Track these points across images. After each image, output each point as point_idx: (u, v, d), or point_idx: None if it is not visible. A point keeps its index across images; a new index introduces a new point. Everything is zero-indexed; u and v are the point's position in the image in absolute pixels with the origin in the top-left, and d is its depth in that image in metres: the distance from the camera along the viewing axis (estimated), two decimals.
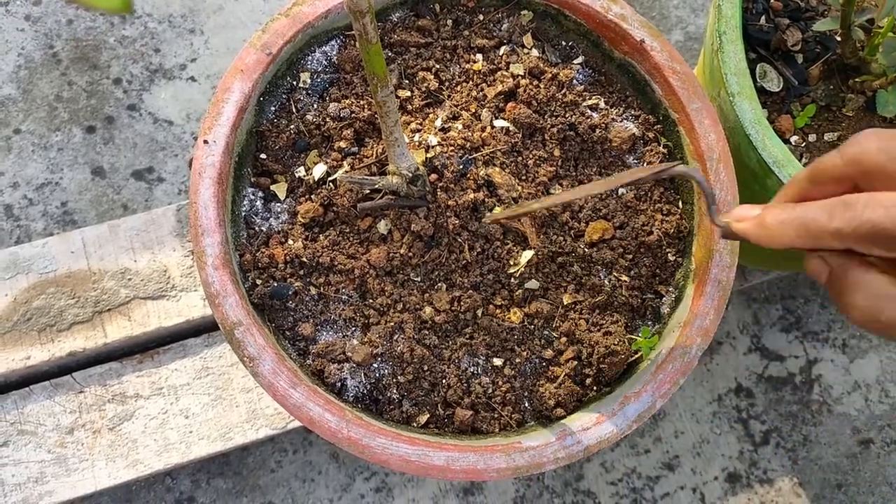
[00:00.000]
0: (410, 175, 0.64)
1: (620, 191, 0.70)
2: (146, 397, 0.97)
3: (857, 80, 0.76)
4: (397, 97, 0.71)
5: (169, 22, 1.26)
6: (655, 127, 0.73)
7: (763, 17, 0.79)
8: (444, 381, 0.65)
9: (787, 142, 0.77)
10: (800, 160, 0.76)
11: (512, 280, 0.67)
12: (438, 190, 0.67)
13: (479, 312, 0.66)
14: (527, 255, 0.66)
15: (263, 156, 0.68)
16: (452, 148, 0.68)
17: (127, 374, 0.98)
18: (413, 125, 0.69)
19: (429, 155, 0.68)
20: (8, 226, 1.15)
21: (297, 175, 0.68)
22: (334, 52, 0.71)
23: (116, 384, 0.97)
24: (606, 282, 0.68)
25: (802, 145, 0.77)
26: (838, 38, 0.76)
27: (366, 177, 0.66)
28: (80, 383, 0.97)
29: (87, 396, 0.97)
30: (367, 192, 0.66)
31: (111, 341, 0.97)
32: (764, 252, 0.92)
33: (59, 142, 1.19)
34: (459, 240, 0.67)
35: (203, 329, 1.01)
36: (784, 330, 1.19)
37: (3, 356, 0.95)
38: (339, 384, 0.65)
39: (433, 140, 0.68)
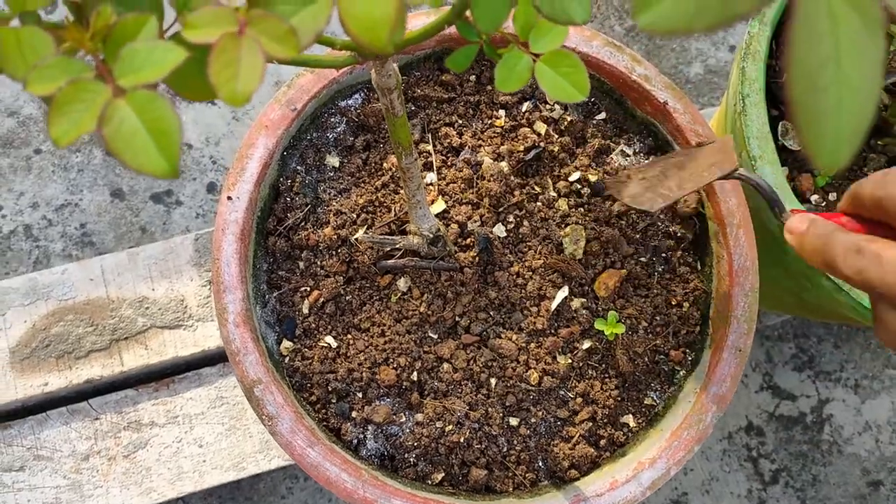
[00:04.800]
0: (431, 236, 0.64)
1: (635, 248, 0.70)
2: (161, 425, 0.98)
3: (879, 141, 0.75)
4: (419, 153, 0.71)
5: None
6: None
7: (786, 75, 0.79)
8: (460, 440, 0.65)
9: (807, 201, 0.77)
10: None
11: (531, 345, 0.68)
12: (457, 248, 0.67)
13: (497, 371, 0.67)
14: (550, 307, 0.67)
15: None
16: (471, 206, 0.69)
17: (143, 402, 0.99)
18: (432, 178, 0.70)
19: (447, 209, 0.68)
20: (27, 246, 1.16)
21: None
22: (358, 106, 0.72)
23: (132, 412, 0.98)
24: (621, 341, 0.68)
25: (822, 204, 0.77)
26: None
27: (386, 236, 0.66)
28: (96, 410, 0.98)
29: (103, 423, 0.98)
30: (388, 250, 0.67)
31: (128, 369, 0.98)
32: (786, 303, 0.92)
33: (79, 163, 1.20)
34: (480, 298, 0.67)
35: (218, 359, 1.02)
36: (797, 369, 1.19)
37: (22, 382, 0.97)
38: (355, 441, 0.65)
39: (451, 196, 0.69)
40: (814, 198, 0.77)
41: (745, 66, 0.71)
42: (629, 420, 0.69)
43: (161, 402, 0.99)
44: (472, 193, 0.69)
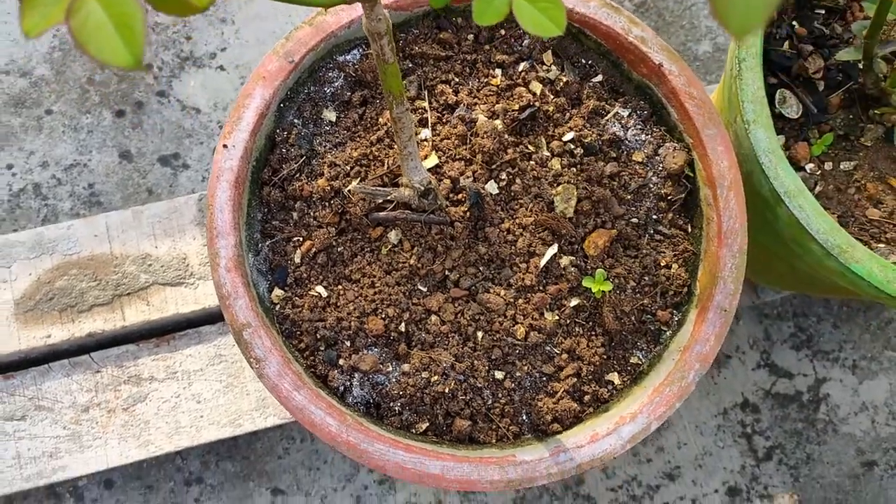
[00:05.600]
0: (422, 188, 0.65)
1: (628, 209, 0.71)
2: (160, 380, 1.00)
3: (876, 111, 0.75)
4: (415, 109, 0.72)
5: None
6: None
7: (786, 43, 0.79)
8: (445, 391, 0.66)
9: (801, 169, 0.77)
10: (814, 188, 0.77)
11: (519, 301, 0.68)
12: (448, 203, 0.68)
13: (485, 324, 0.68)
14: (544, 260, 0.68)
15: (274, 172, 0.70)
16: (464, 162, 0.69)
17: (143, 357, 1.01)
18: (427, 134, 0.70)
19: (440, 164, 0.69)
20: (36, 204, 1.18)
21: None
22: (356, 61, 0.72)
23: (132, 366, 1.00)
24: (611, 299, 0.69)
25: (818, 173, 0.77)
26: (860, 69, 0.76)
27: (378, 188, 0.67)
28: (97, 363, 1.00)
29: (104, 377, 1.00)
30: (380, 202, 0.68)
31: (129, 324, 1.00)
32: (781, 275, 0.92)
33: (89, 124, 1.22)
34: (470, 253, 0.68)
35: (218, 317, 1.03)
36: (794, 347, 1.19)
37: (25, 333, 0.99)
38: (342, 388, 0.66)
39: (445, 152, 0.69)
40: (809, 166, 0.77)
41: None
42: (614, 378, 0.69)
43: (161, 358, 1.01)
44: (466, 150, 0.70)
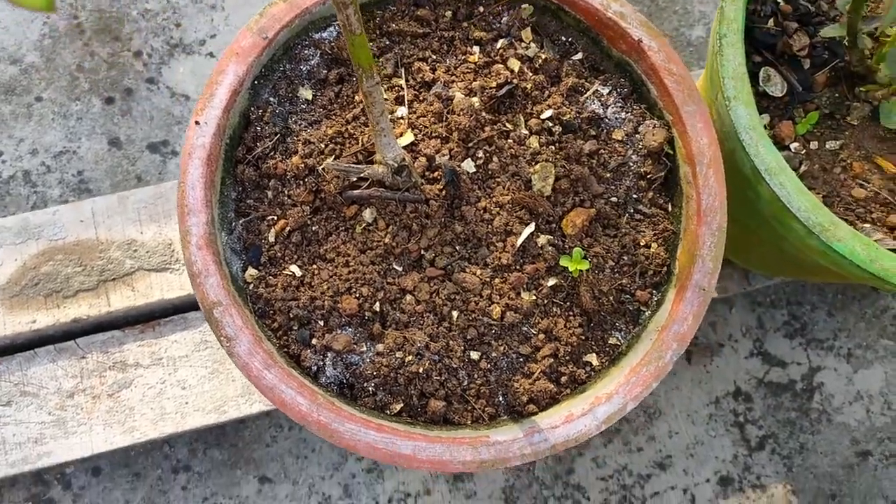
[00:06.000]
0: (396, 165, 0.64)
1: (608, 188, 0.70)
2: (146, 366, 0.99)
3: (862, 88, 0.74)
4: (391, 87, 0.71)
5: None
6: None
7: (771, 21, 0.78)
8: (420, 371, 0.65)
9: (786, 148, 0.76)
10: (798, 167, 0.75)
11: (496, 280, 0.67)
12: (424, 181, 0.67)
13: (460, 304, 0.67)
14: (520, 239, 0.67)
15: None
16: (440, 139, 0.69)
17: (128, 343, 1.00)
18: (403, 112, 0.70)
19: (416, 142, 0.68)
20: (25, 191, 1.18)
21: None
22: (332, 38, 0.72)
23: (118, 352, 1.00)
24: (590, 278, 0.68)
25: (802, 152, 0.76)
26: (846, 45, 0.74)
27: (352, 164, 0.66)
28: (82, 349, 1.00)
29: (89, 362, 0.99)
30: (354, 180, 0.67)
31: (114, 310, 0.99)
32: (769, 258, 0.91)
33: (78, 111, 1.21)
34: (446, 232, 0.67)
35: None
36: (788, 336, 1.18)
37: (11, 319, 0.98)
38: (315, 368, 0.66)
39: (421, 130, 0.68)
40: (794, 145, 0.76)
41: (724, 6, 0.70)
42: (592, 359, 0.68)
43: (146, 344, 1.01)
44: (442, 127, 0.69)
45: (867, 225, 0.73)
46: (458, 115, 0.68)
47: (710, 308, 1.18)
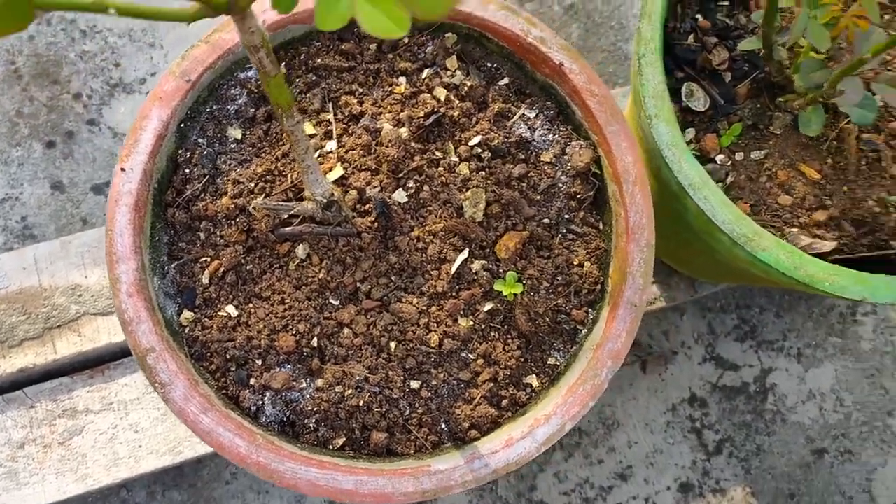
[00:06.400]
0: (325, 201, 0.64)
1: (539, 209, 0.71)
2: (96, 412, 0.98)
3: (782, 99, 0.76)
4: (320, 121, 0.72)
5: (129, 36, 1.27)
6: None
7: (691, 37, 0.80)
8: (360, 404, 0.65)
9: (712, 161, 0.77)
10: (725, 178, 0.77)
11: (433, 308, 0.68)
12: (356, 214, 0.68)
13: (398, 334, 0.67)
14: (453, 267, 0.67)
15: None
16: (370, 172, 0.69)
17: (77, 390, 0.99)
18: (332, 146, 0.70)
19: (346, 175, 0.69)
20: None
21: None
22: (258, 77, 0.72)
23: (67, 399, 0.98)
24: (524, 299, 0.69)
25: (728, 164, 0.77)
26: (764, 58, 0.76)
27: (281, 203, 0.66)
28: (31, 398, 0.98)
29: (38, 411, 0.98)
30: (285, 217, 0.67)
31: (61, 357, 0.98)
32: (708, 267, 0.92)
33: (19, 157, 1.20)
34: (381, 263, 0.67)
35: None
36: (739, 339, 1.20)
37: None
38: (254, 408, 0.65)
39: (350, 163, 0.69)
40: (719, 157, 0.78)
41: (641, 27, 0.72)
42: (532, 380, 0.69)
43: (96, 389, 0.99)
44: (371, 159, 0.69)
45: (795, 230, 0.75)
46: (387, 146, 0.69)
47: (663, 317, 1.20)
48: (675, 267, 1.04)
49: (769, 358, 1.19)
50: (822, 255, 0.72)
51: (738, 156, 0.78)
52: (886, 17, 0.82)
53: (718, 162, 0.77)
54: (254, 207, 0.67)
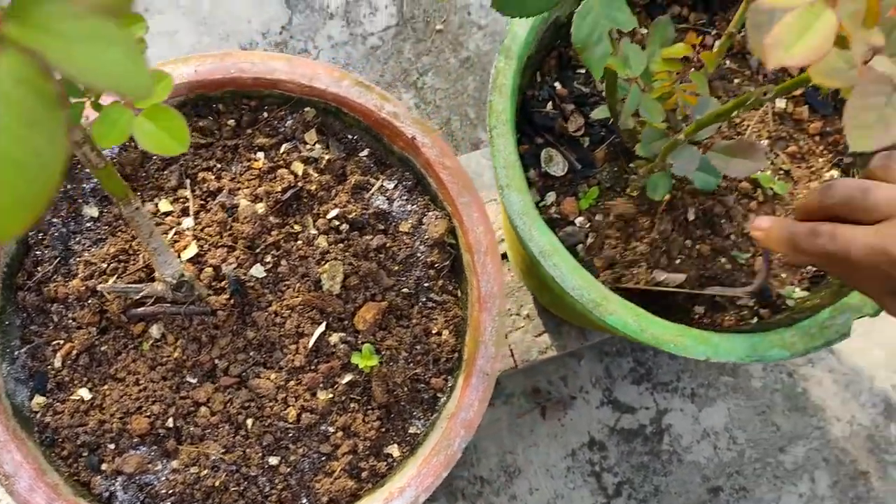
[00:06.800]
0: (174, 282, 0.65)
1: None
2: None
3: (632, 164, 0.79)
4: (177, 199, 0.72)
5: None
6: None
7: (550, 104, 0.83)
8: (217, 484, 0.65)
9: (572, 223, 0.80)
10: (585, 240, 0.80)
11: (291, 383, 0.68)
12: (211, 291, 0.68)
13: (255, 411, 0.67)
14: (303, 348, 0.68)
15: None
16: (227, 248, 0.70)
17: None
18: (189, 224, 0.70)
19: (201, 253, 0.69)
20: None
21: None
22: (114, 154, 0.72)
23: None
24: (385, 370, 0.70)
25: (587, 226, 0.80)
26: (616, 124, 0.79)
27: (130, 285, 0.66)
28: None
29: None
30: (138, 298, 0.67)
31: None
32: (583, 320, 0.95)
33: None
34: (239, 340, 0.68)
35: None
36: (635, 382, 1.23)
37: None
38: (107, 494, 0.65)
39: (206, 240, 0.70)
40: (578, 220, 0.80)
41: (492, 100, 0.74)
42: (394, 450, 0.70)
43: None
44: (228, 236, 0.70)
45: (658, 270, 0.78)
46: (243, 222, 0.70)
47: (561, 362, 1.22)
48: (564, 318, 1.06)
49: (664, 399, 1.22)
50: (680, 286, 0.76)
51: (598, 217, 0.80)
52: (736, 80, 0.86)
53: (578, 224, 0.80)
54: (101, 290, 0.67)
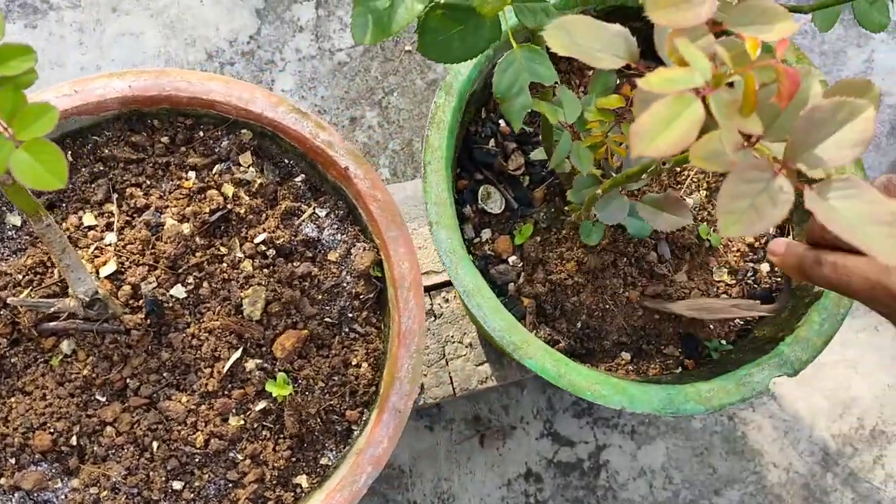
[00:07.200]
0: (87, 299, 0.64)
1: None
2: None
3: (566, 207, 0.79)
4: (102, 213, 0.71)
5: None
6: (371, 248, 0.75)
7: (492, 141, 0.83)
8: None
9: (505, 262, 0.80)
10: (517, 279, 0.80)
11: (202, 407, 0.68)
12: (128, 309, 0.67)
13: (163, 434, 0.67)
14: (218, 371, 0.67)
15: None
16: (148, 267, 0.69)
17: None
18: (112, 239, 0.70)
19: (121, 270, 0.68)
20: None
21: None
22: None
23: None
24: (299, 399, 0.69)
25: (520, 265, 0.80)
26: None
27: (42, 299, 0.66)
28: None
29: None
30: (51, 312, 0.66)
31: None
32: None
33: None
34: (152, 360, 0.67)
35: None
36: (576, 415, 1.23)
37: None
38: None
39: (128, 257, 0.69)
40: (512, 259, 0.80)
41: (429, 135, 0.74)
42: (302, 480, 0.69)
43: None
44: (150, 255, 0.69)
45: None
46: (165, 242, 0.69)
47: (504, 391, 1.22)
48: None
49: (604, 434, 1.23)
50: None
51: (533, 255, 0.80)
52: None
53: (511, 263, 0.80)
54: (11, 303, 0.66)
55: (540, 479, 1.20)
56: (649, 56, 0.49)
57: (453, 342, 1.11)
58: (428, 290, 0.99)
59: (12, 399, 0.66)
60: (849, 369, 1.30)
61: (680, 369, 0.79)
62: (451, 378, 1.08)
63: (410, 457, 1.18)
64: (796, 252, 0.55)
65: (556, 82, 0.56)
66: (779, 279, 0.83)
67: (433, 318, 1.02)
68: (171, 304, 0.69)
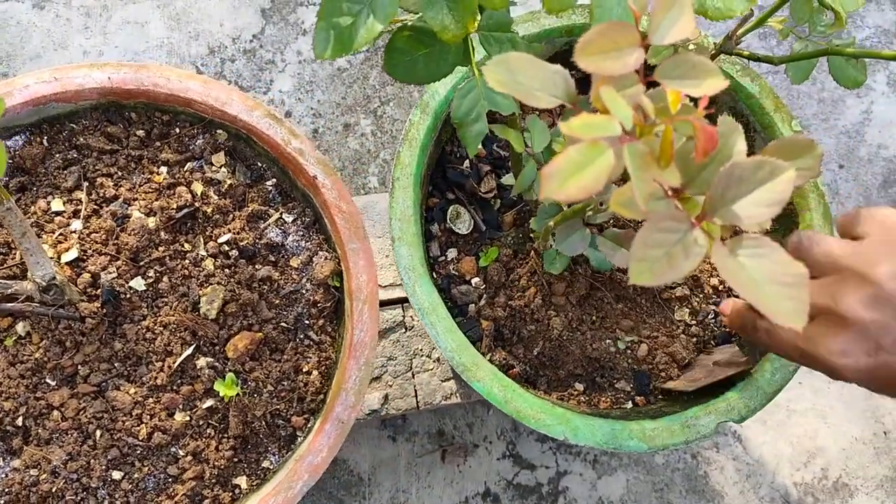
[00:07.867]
0: (44, 284, 0.65)
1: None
2: None
3: (532, 235, 0.80)
4: (71, 199, 0.72)
5: None
6: (332, 257, 0.76)
7: (467, 161, 0.84)
8: (53, 490, 0.65)
9: (468, 283, 0.80)
10: (479, 300, 0.80)
11: (149, 400, 0.69)
12: (85, 297, 0.68)
13: (107, 423, 0.68)
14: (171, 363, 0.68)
15: None
16: (110, 257, 0.70)
17: None
18: (77, 226, 0.71)
19: (82, 258, 0.69)
20: None
21: None
22: (18, 147, 0.73)
23: None
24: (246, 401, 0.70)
25: (482, 287, 0.81)
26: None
27: (0, 280, 0.67)
28: None
29: None
30: (9, 293, 0.67)
31: None
32: None
33: None
34: (105, 349, 0.68)
35: None
36: (540, 440, 1.23)
37: None
38: None
39: (90, 246, 0.70)
40: (475, 280, 0.81)
41: (400, 152, 0.75)
42: (242, 481, 0.70)
43: None
44: (112, 245, 0.70)
45: (558, 318, 0.79)
46: (130, 234, 0.70)
47: (470, 409, 1.22)
48: None
49: (566, 461, 1.23)
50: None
51: (496, 278, 0.81)
52: None
53: (473, 284, 0.81)
54: None
55: (498, 500, 1.20)
56: None
57: (421, 355, 1.12)
58: (401, 301, 1.00)
59: None
60: (818, 418, 1.29)
61: (630, 404, 0.79)
62: (415, 391, 1.08)
63: (371, 465, 1.18)
64: (740, 313, 0.56)
65: (513, 113, 0.57)
66: None
67: (404, 330, 1.02)
68: (129, 296, 0.70)
